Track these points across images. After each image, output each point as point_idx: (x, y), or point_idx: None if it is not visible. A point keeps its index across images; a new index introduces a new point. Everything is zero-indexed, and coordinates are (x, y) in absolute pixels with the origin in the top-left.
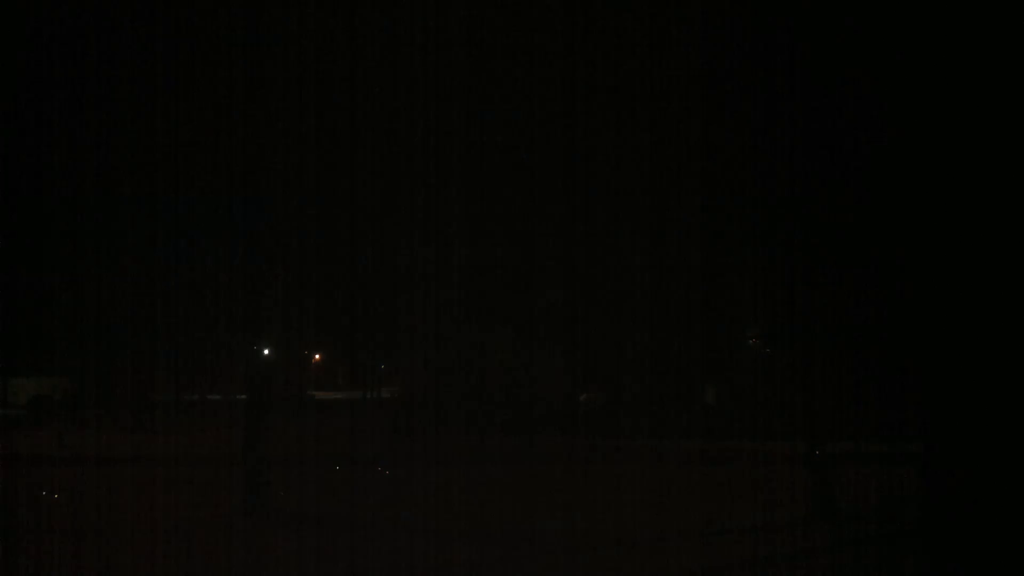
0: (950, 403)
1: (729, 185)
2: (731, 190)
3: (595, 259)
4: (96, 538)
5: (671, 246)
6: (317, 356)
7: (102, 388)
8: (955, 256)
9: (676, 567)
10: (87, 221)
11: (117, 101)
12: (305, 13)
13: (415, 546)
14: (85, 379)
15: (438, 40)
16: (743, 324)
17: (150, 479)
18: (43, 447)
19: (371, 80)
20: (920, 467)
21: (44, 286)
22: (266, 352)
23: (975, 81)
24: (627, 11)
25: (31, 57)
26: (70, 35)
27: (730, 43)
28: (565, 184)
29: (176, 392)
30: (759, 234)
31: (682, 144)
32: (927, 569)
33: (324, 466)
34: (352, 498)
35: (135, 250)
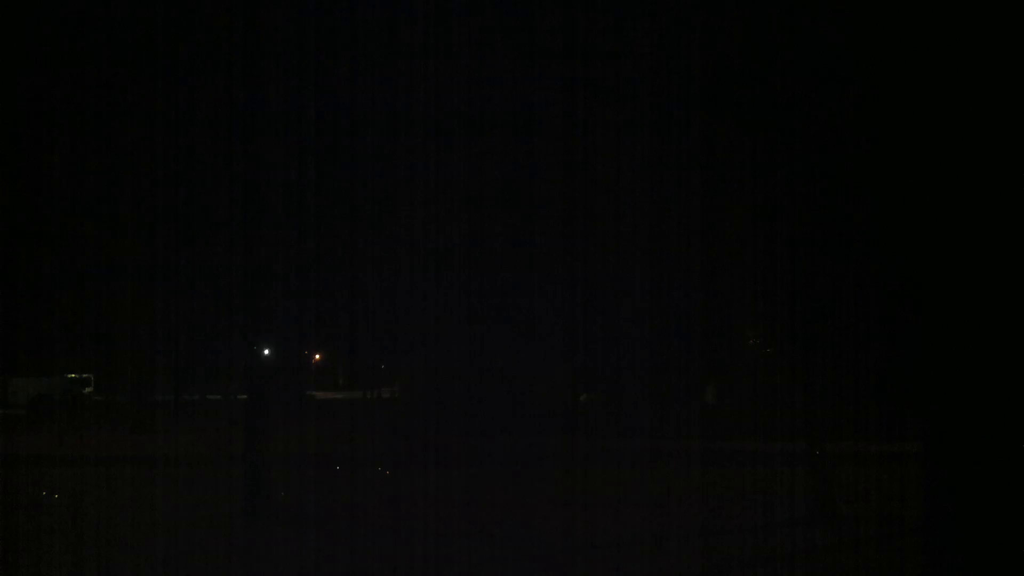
0: (950, 403)
1: (729, 185)
2: (731, 190)
3: (595, 259)
4: (96, 538)
5: (671, 246)
6: (317, 356)
7: (102, 388)
8: (954, 255)
9: (676, 567)
10: (87, 221)
11: (117, 101)
12: (305, 14)
13: (415, 546)
14: (85, 379)
15: (439, 38)
16: (743, 324)
17: (150, 479)
18: (43, 447)
19: (371, 78)
20: (920, 467)
21: (44, 286)
22: (266, 352)
23: (974, 83)
24: (627, 11)
25: (30, 57)
26: (70, 34)
27: (729, 43)
28: (565, 184)
29: (176, 392)
30: (759, 234)
31: (682, 144)
32: (927, 569)
33: (324, 466)
34: (352, 498)
35: (135, 250)
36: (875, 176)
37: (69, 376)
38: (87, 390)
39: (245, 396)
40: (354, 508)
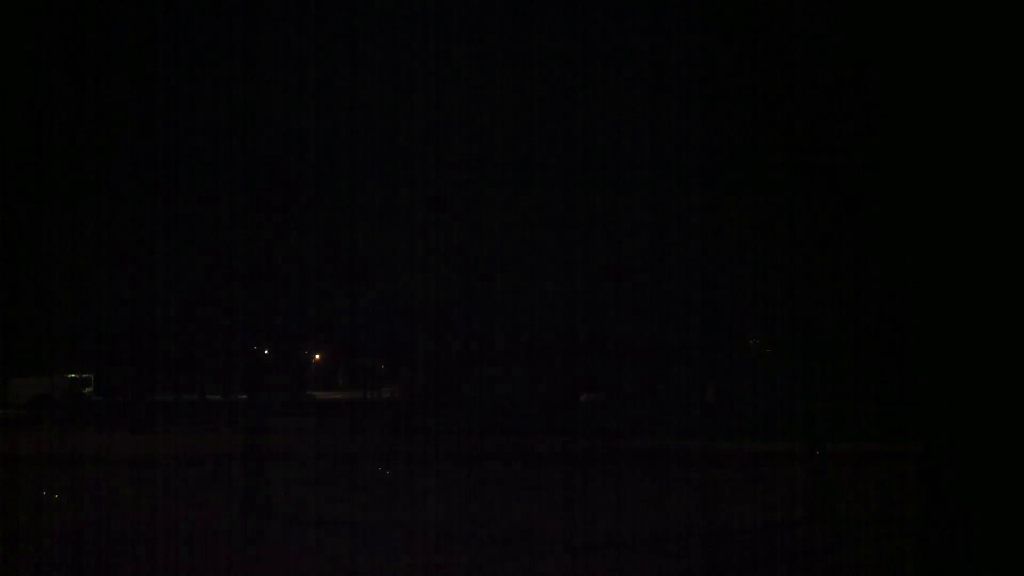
0: (950, 403)
1: (730, 186)
2: (732, 191)
3: (596, 258)
4: (96, 538)
5: (672, 246)
6: (317, 356)
7: (102, 388)
8: (954, 255)
9: (676, 567)
10: (87, 220)
11: (117, 100)
12: (304, 13)
13: (415, 546)
14: (85, 379)
15: (438, 38)
16: (743, 324)
17: (150, 479)
18: (43, 447)
19: (372, 77)
20: (920, 467)
21: (44, 286)
22: (266, 352)
23: (975, 87)
24: (625, 8)
25: (31, 56)
26: (70, 34)
27: (729, 39)
28: (566, 183)
29: (176, 392)
30: (759, 236)
31: (683, 143)
32: (927, 569)
33: (324, 466)
34: (352, 498)
35: (135, 249)
36: (875, 175)
37: (69, 376)
38: (87, 390)
39: (245, 396)
40: (354, 508)
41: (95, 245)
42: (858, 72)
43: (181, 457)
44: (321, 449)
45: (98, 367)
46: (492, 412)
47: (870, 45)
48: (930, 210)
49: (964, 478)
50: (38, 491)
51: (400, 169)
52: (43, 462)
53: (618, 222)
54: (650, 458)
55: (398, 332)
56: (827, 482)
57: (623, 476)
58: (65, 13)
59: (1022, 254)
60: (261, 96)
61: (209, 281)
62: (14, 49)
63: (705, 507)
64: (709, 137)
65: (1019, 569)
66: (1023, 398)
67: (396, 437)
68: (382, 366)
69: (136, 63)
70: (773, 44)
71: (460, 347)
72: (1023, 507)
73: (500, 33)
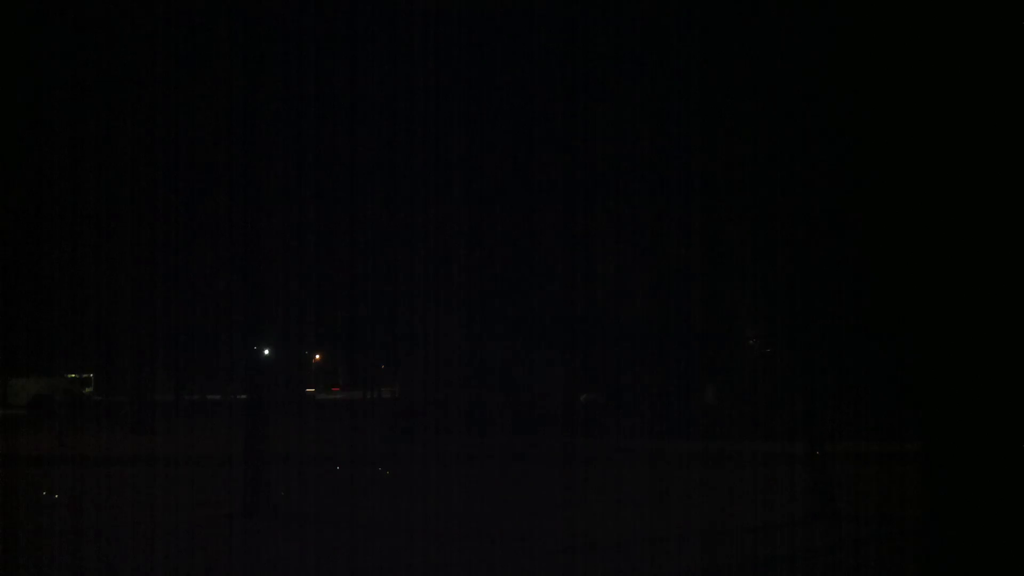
0: (949, 403)
1: (728, 186)
2: (730, 191)
3: (596, 259)
4: (96, 538)
5: (671, 246)
6: (317, 356)
7: (102, 388)
8: (953, 254)
9: (676, 567)
10: (87, 221)
11: (117, 101)
12: (306, 14)
13: (415, 546)
14: (85, 379)
15: (440, 43)
16: (743, 324)
17: (150, 479)
18: (43, 447)
19: (373, 78)
20: (920, 467)
21: (44, 286)
22: (266, 352)
23: (969, 87)
24: (628, 16)
25: (32, 57)
26: (71, 36)
27: (728, 47)
28: (565, 185)
29: (176, 392)
30: (758, 235)
31: (682, 146)
32: (927, 569)
33: (324, 466)
34: (352, 498)
35: (135, 250)
36: (874, 177)
37: (69, 376)
38: (87, 390)
39: (245, 396)
40: (354, 508)
41: (95, 245)
42: (861, 75)
43: (181, 457)
44: (322, 449)
45: (98, 367)
46: (492, 412)
47: (868, 48)
48: (929, 212)
49: (964, 478)
50: (38, 491)
51: (402, 168)
52: (43, 462)
53: (619, 222)
54: (650, 458)
55: (398, 332)
56: (828, 482)
57: (623, 476)
58: (64, 12)
59: (1018, 256)
60: (262, 92)
61: (209, 281)
62: (14, 48)
63: (705, 507)
64: (709, 139)
65: (1019, 569)
66: (1022, 398)
67: (396, 437)
68: (382, 366)
69: (135, 61)
70: (774, 46)
71: (460, 347)
72: (1023, 507)
73: (503, 26)
